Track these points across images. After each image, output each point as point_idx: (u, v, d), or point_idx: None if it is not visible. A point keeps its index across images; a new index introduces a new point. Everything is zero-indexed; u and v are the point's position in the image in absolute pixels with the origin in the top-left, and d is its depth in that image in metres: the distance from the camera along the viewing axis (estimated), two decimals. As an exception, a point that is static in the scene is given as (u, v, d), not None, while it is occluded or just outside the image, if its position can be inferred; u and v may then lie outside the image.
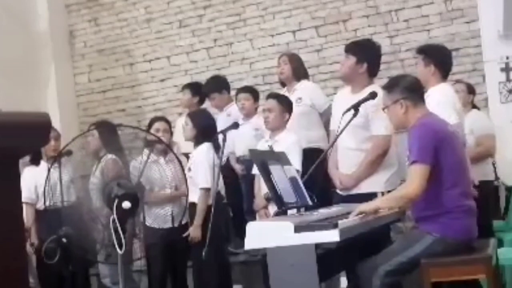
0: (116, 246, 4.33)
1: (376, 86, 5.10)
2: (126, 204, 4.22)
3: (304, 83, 6.46)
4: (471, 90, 6.54)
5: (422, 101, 4.24)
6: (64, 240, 5.20)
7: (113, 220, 4.32)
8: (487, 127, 6.36)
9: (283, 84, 6.64)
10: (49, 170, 6.13)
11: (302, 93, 6.29)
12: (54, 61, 9.45)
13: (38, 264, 6.07)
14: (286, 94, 6.26)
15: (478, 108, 6.72)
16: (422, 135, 4.03)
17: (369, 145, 5.04)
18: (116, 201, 4.31)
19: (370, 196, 4.74)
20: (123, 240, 4.34)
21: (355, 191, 5.05)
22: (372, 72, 5.19)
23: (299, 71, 6.51)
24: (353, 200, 4.79)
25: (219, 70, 8.68)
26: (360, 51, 5.16)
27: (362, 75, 5.12)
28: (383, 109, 4.33)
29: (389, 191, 4.93)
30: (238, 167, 6.74)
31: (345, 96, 5.21)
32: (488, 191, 6.05)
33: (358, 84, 5.12)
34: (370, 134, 5.03)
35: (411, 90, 4.20)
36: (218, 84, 7.30)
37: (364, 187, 5.01)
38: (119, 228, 4.32)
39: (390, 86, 4.29)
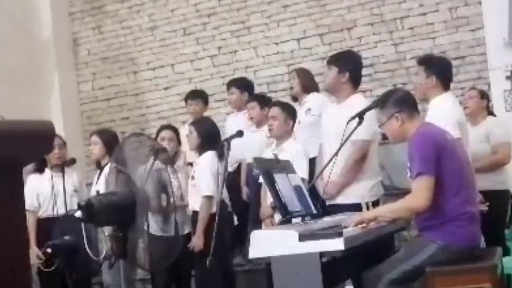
0: (99, 253, 4.32)
1: (360, 96, 5.31)
2: (77, 213, 4.19)
3: (313, 95, 6.55)
4: (483, 95, 6.41)
5: (417, 112, 4.23)
6: (64, 247, 5.19)
7: (114, 229, 4.30)
8: (503, 135, 6.17)
9: (294, 99, 6.73)
10: (52, 178, 6.15)
11: (311, 104, 6.40)
12: (58, 69, 9.44)
13: (40, 272, 6.04)
14: (297, 107, 6.37)
15: (495, 115, 6.60)
16: (422, 145, 4.01)
17: None
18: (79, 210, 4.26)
19: (354, 207, 4.84)
20: (100, 248, 4.34)
21: (338, 201, 5.07)
22: (355, 81, 5.29)
23: (308, 84, 6.64)
24: (336, 210, 4.88)
25: (223, 78, 8.67)
26: (341, 61, 5.30)
27: (345, 85, 5.23)
28: (379, 126, 4.32)
29: (373, 202, 4.96)
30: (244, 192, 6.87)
31: (332, 108, 5.37)
32: (503, 200, 5.92)
33: (342, 94, 5.24)
34: None
35: (403, 103, 4.20)
36: (242, 83, 7.41)
37: (346, 198, 5.03)
38: (85, 237, 4.30)
39: (382, 102, 4.30)
